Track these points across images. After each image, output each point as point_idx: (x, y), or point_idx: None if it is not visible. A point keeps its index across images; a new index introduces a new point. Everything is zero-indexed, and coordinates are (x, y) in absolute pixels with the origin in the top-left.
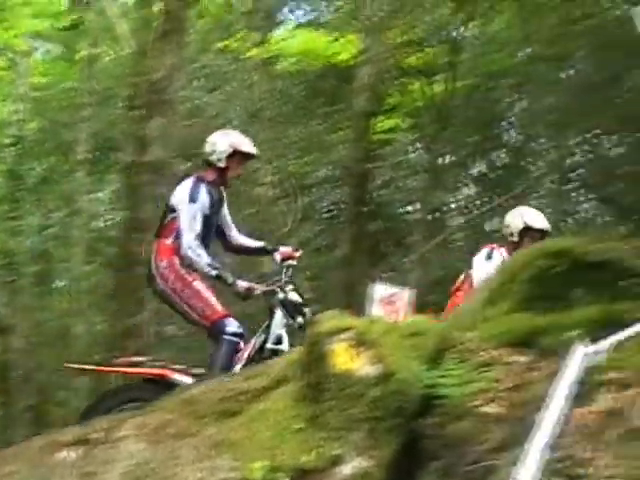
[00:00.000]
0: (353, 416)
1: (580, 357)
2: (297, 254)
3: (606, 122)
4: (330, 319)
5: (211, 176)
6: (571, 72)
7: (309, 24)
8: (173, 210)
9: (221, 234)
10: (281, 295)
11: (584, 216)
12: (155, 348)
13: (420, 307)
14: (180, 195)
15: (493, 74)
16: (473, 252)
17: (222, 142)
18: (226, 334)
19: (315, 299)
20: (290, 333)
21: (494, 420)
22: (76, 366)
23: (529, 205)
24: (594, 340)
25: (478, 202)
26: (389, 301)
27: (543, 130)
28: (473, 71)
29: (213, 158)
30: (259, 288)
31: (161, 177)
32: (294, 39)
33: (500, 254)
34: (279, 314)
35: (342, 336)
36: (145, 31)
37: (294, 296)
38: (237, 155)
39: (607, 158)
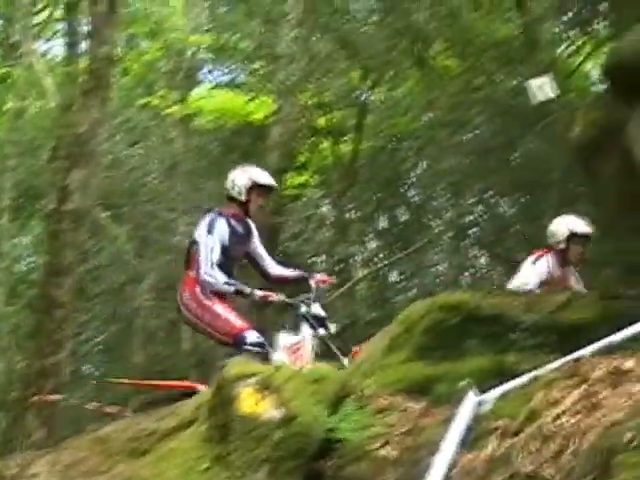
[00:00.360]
0: (257, 456)
1: (470, 405)
2: (331, 280)
3: (500, 184)
4: (237, 365)
5: (233, 210)
6: (469, 137)
7: (226, 85)
8: (196, 243)
9: (256, 266)
10: (304, 308)
11: (479, 271)
12: (70, 387)
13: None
14: (200, 228)
15: (397, 136)
16: (377, 302)
17: (241, 177)
18: (246, 344)
19: None
20: None
21: (389, 462)
22: (117, 381)
23: (428, 259)
24: (484, 389)
25: (381, 255)
26: (294, 349)
27: (442, 190)
28: (378, 133)
29: (234, 193)
30: (275, 296)
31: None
32: (212, 98)
33: (546, 260)
34: (305, 329)
35: (248, 381)
36: (70, 86)
37: (318, 310)
38: (256, 188)
39: (500, 217)
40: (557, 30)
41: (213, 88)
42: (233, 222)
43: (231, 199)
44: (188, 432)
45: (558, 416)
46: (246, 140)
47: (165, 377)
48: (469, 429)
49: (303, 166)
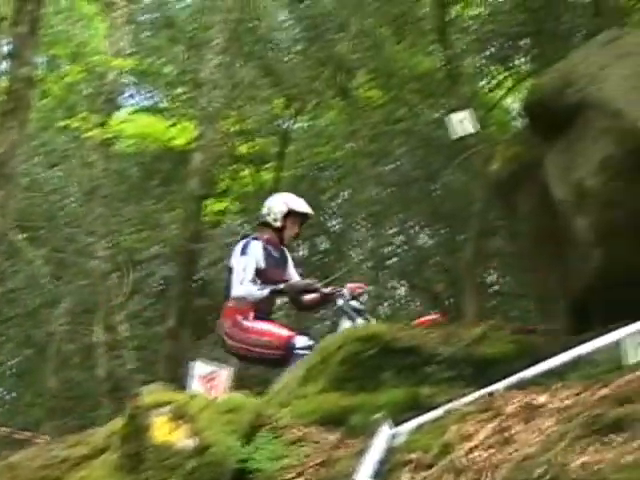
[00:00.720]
0: None
1: (385, 437)
2: (364, 286)
3: (421, 216)
4: (152, 393)
5: (267, 236)
6: (391, 168)
7: (148, 109)
8: (231, 269)
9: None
10: (341, 301)
11: (398, 301)
12: None
13: (241, 381)
14: (235, 253)
15: (319, 165)
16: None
17: (278, 203)
18: (297, 349)
19: (142, 369)
20: None
21: None
22: None
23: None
24: (399, 422)
25: None
26: (209, 378)
27: (363, 220)
28: (300, 161)
29: (270, 219)
30: (312, 282)
31: None
32: (133, 122)
33: None
34: (343, 322)
35: (162, 409)
36: None
37: (355, 303)
38: (292, 215)
39: (420, 248)
40: (479, 64)
41: (134, 112)
42: (268, 247)
43: (265, 225)
44: (100, 460)
45: (471, 450)
46: (167, 165)
47: (79, 403)
48: (383, 461)
49: (224, 193)
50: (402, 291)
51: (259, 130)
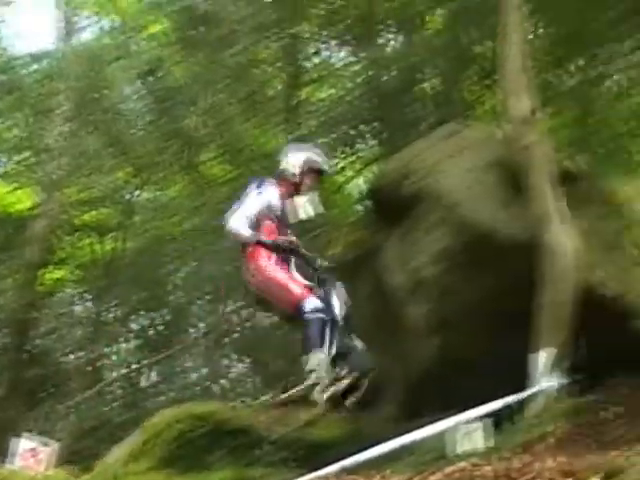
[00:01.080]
0: None
1: None
2: None
3: None
4: None
5: (282, 187)
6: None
7: None
8: None
9: None
10: (320, 261)
11: (235, 380)
12: None
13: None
14: (250, 189)
15: (163, 238)
16: (128, 405)
17: (297, 155)
18: (307, 312)
19: None
20: None
21: None
22: None
23: (182, 364)
24: None
25: (136, 357)
26: (33, 453)
27: (205, 294)
28: (144, 233)
29: (287, 170)
30: (296, 241)
31: None
32: None
33: None
34: (333, 285)
35: None
36: None
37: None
38: (312, 170)
39: (259, 327)
40: (326, 147)
41: None
42: (283, 200)
43: (282, 178)
44: None
45: None
46: (6, 231)
47: None
48: None
49: (63, 261)
50: (239, 369)
51: (103, 200)
